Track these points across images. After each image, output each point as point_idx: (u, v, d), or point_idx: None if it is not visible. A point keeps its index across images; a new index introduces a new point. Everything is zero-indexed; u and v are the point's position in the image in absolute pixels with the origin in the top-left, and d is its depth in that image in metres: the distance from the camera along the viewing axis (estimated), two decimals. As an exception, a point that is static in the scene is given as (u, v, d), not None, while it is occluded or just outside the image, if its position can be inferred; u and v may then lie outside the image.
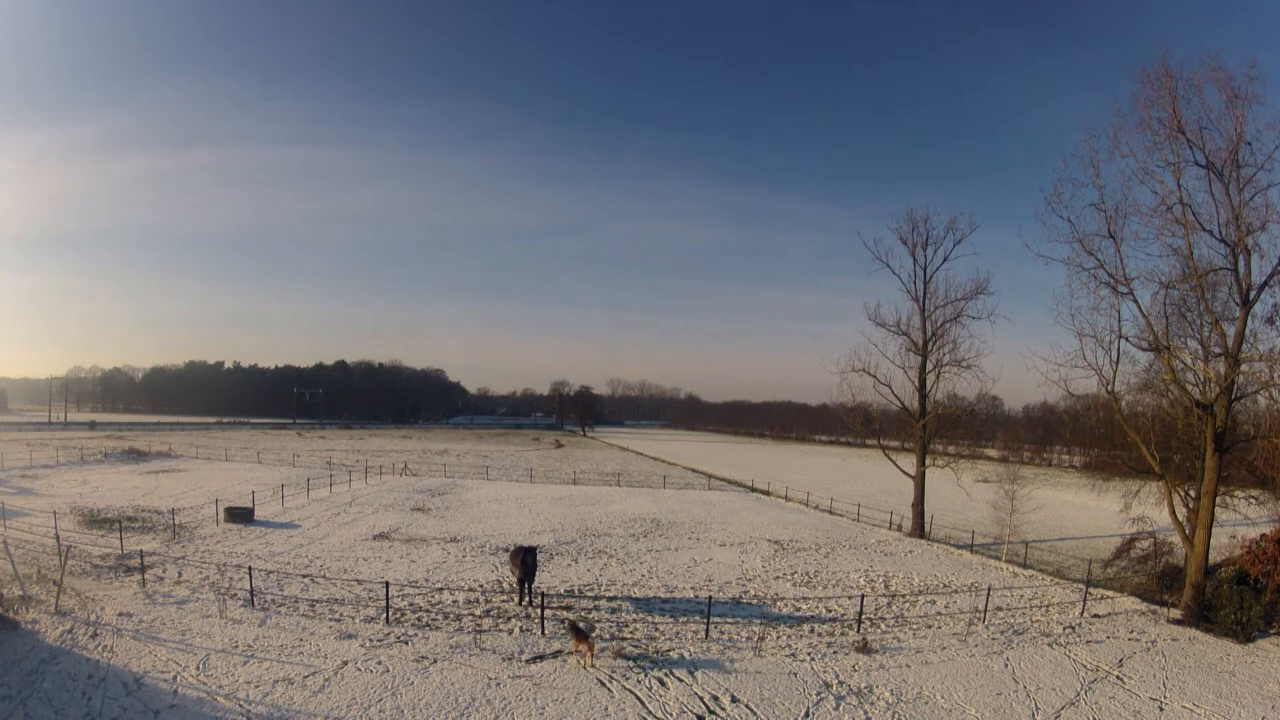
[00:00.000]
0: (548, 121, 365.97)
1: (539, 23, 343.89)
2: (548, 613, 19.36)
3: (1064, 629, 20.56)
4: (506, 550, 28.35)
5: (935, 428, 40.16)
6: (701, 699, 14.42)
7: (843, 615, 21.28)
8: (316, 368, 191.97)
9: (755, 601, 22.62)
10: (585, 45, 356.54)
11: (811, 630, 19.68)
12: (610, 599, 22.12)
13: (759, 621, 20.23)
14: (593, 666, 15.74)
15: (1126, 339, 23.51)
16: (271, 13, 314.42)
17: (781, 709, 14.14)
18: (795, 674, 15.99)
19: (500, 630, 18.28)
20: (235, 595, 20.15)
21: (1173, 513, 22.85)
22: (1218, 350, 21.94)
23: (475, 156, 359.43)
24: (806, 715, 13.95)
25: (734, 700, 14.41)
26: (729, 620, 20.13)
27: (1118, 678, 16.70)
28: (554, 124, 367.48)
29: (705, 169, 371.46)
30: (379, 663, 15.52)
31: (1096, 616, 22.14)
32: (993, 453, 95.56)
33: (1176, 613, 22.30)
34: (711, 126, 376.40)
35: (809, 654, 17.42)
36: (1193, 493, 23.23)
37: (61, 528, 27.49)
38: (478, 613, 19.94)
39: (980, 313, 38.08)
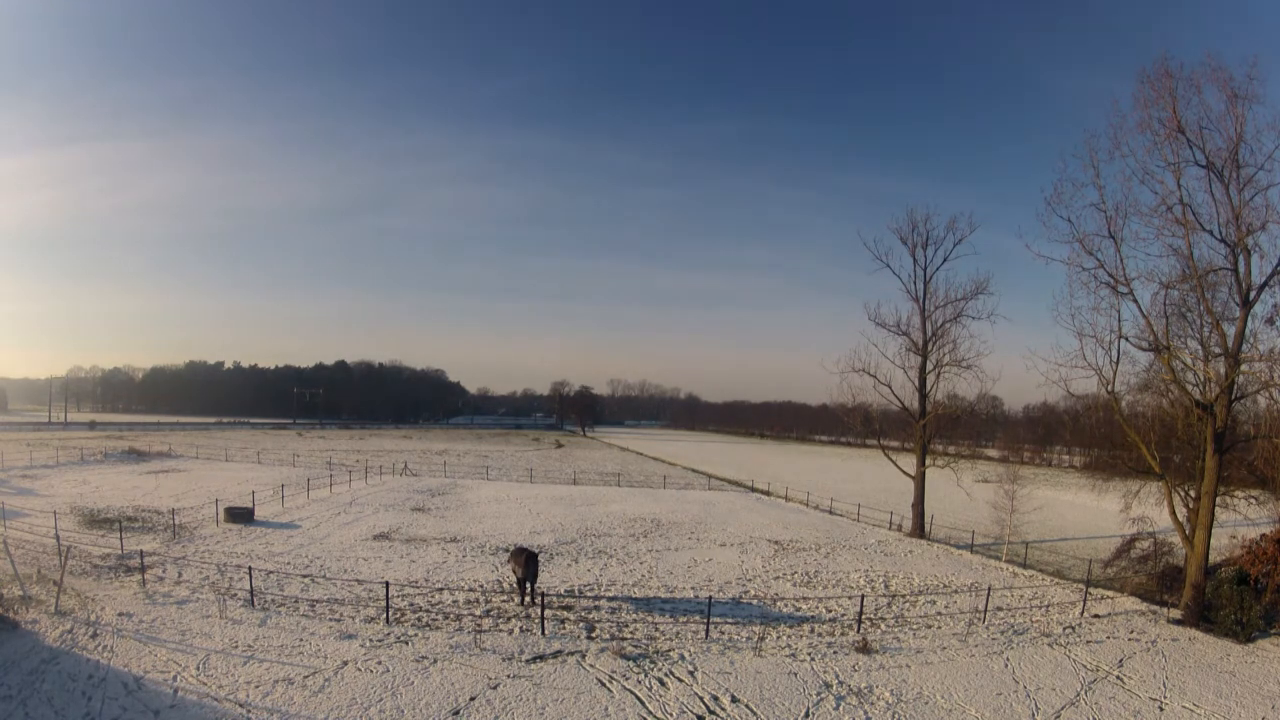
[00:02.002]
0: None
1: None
2: (548, 613, 19.38)
3: (1064, 629, 20.56)
4: (506, 550, 28.36)
5: (935, 428, 40.18)
6: (701, 699, 14.42)
7: (843, 615, 21.29)
8: (316, 368, 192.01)
9: (755, 601, 22.63)
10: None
11: (811, 630, 19.68)
12: (610, 599, 22.12)
13: (759, 621, 20.24)
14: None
15: (1126, 339, 23.54)
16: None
17: (781, 709, 14.14)
18: (795, 674, 15.99)
19: (500, 630, 18.28)
20: (235, 595, 20.15)
21: (1173, 513, 22.85)
22: (1218, 350, 21.93)
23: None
24: (806, 715, 13.95)
25: (734, 700, 14.41)
26: (729, 620, 20.13)
27: (1118, 678, 16.70)
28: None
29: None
30: (379, 663, 15.52)
31: (1096, 616, 22.14)
32: (993, 453, 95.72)
33: (1176, 613, 22.30)
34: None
35: (809, 654, 17.42)
36: (1193, 493, 23.22)
37: (61, 528, 27.48)
38: (478, 613, 19.94)
39: (980, 313, 38.19)
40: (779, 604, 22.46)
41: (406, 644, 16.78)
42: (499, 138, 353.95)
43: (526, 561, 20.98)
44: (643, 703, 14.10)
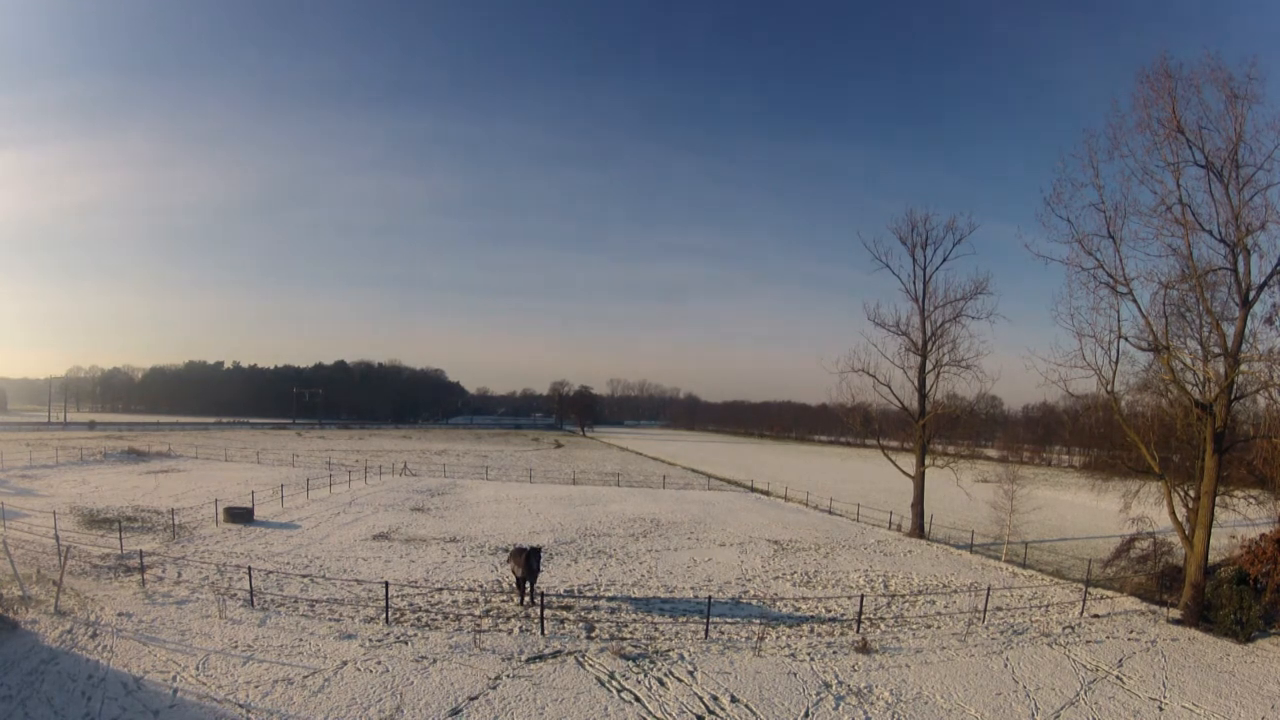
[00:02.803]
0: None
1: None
2: (547, 613, 19.37)
3: (1064, 629, 20.56)
4: (506, 550, 28.36)
5: (935, 428, 40.19)
6: (701, 699, 14.42)
7: (842, 615, 21.29)
8: (316, 368, 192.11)
9: (755, 601, 22.63)
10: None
11: (811, 630, 19.68)
12: (610, 599, 22.13)
13: (759, 621, 20.24)
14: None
15: (1126, 339, 23.54)
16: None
17: (781, 709, 14.14)
18: (795, 674, 15.99)
19: (500, 630, 18.28)
20: (235, 595, 20.14)
21: (1172, 513, 22.86)
22: (1217, 350, 21.94)
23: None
24: (806, 715, 13.95)
25: (734, 700, 14.41)
26: (729, 620, 20.13)
27: (1117, 678, 16.71)
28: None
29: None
30: (379, 663, 15.52)
31: (1096, 616, 22.14)
32: (992, 453, 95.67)
33: (1176, 613, 22.31)
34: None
35: (809, 654, 17.42)
36: (1192, 493, 23.23)
37: (61, 528, 27.47)
38: (477, 613, 19.94)
39: (980, 313, 38.20)
40: (778, 604, 22.45)
41: (406, 644, 16.78)
42: (409, 122, 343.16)
43: (526, 560, 20.96)
44: (642, 703, 14.10)
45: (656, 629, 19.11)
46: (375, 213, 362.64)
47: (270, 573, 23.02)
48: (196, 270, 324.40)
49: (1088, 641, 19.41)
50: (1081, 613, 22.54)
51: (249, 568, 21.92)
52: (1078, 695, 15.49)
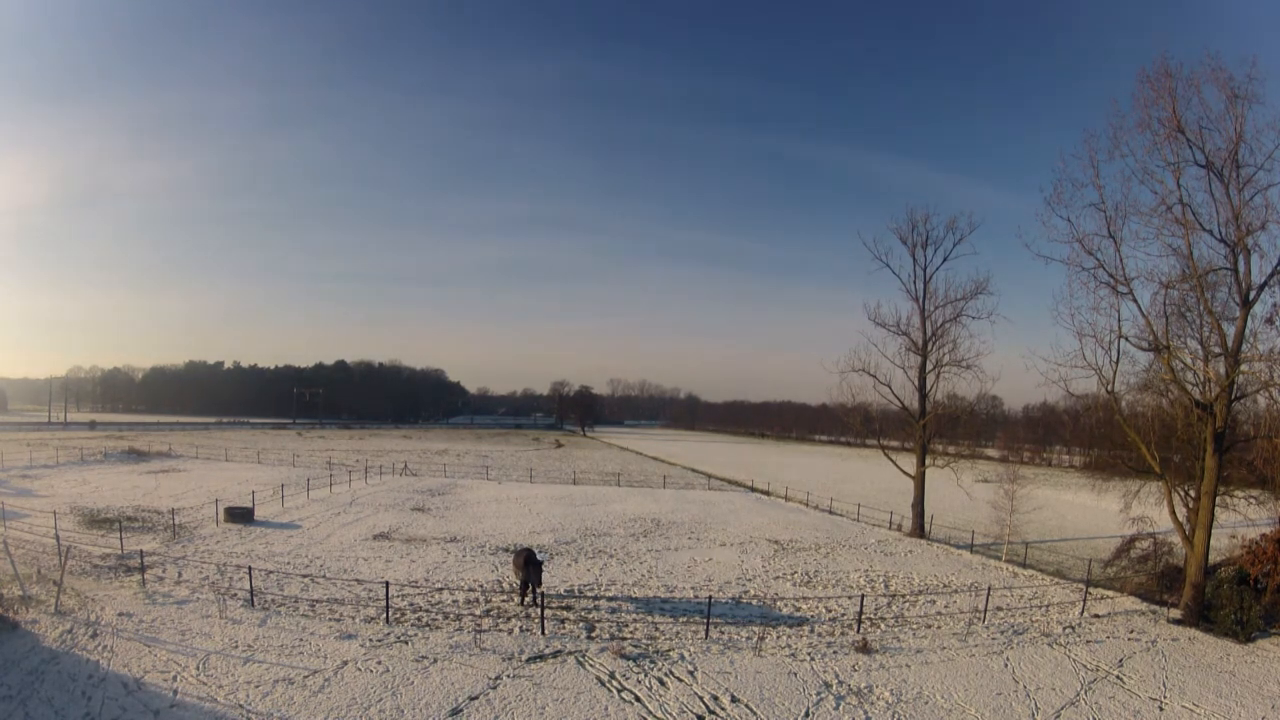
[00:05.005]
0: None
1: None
2: (548, 612, 19.38)
3: (1064, 629, 20.56)
4: (507, 550, 28.41)
5: (935, 428, 40.17)
6: (701, 699, 14.42)
7: (843, 615, 21.29)
8: (316, 368, 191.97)
9: (755, 601, 22.63)
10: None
11: (811, 630, 19.68)
12: (610, 599, 22.13)
13: (759, 621, 20.24)
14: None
15: (1126, 339, 23.52)
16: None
17: (781, 709, 14.14)
18: (795, 674, 16.00)
19: (500, 630, 18.28)
20: (235, 595, 20.15)
21: (1173, 513, 22.85)
22: (1218, 350, 21.92)
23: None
24: (806, 715, 13.95)
25: (734, 700, 14.42)
26: (729, 620, 20.13)
27: (1117, 678, 16.70)
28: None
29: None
30: (379, 663, 15.53)
31: (1096, 616, 22.14)
32: (993, 453, 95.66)
33: (1176, 613, 22.30)
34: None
35: (809, 654, 17.42)
36: (1193, 493, 23.21)
37: (61, 528, 27.47)
38: (478, 612, 19.95)
39: (980, 312, 38.12)
40: (779, 604, 22.46)
41: (406, 644, 16.78)
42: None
43: (526, 563, 20.95)
44: (642, 702, 14.10)
45: (657, 629, 19.12)
46: (370, 203, 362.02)
47: (270, 573, 23.03)
48: (196, 268, 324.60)
49: (1088, 641, 19.41)
50: (1082, 613, 22.54)
51: (249, 568, 21.93)
52: (1078, 695, 15.50)
